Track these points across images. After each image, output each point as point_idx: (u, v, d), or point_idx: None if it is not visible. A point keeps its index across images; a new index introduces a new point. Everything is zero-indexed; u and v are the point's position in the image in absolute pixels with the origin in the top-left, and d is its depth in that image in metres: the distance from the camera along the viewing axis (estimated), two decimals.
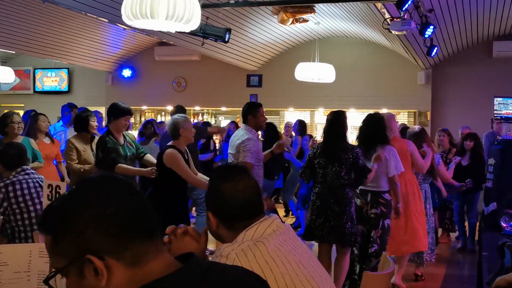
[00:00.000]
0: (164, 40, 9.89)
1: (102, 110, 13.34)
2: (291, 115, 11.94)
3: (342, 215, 4.46)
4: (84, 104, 13.02)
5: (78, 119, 5.32)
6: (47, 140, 5.86)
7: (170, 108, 12.92)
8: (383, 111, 10.75)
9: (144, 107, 13.02)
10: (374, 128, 4.78)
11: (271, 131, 7.50)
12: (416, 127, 5.96)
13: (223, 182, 1.72)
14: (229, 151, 4.93)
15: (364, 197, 4.78)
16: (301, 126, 8.54)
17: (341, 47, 11.20)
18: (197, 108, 12.48)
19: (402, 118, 10.90)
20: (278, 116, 11.59)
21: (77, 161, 5.12)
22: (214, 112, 12.72)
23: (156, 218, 1.09)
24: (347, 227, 4.47)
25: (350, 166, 4.51)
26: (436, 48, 8.30)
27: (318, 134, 11.57)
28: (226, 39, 7.07)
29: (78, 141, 5.22)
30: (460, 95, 10.69)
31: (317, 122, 12.18)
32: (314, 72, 9.25)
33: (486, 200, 5.08)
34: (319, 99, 11.23)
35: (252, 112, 4.85)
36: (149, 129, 7.55)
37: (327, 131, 4.70)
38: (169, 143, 4.51)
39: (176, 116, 4.56)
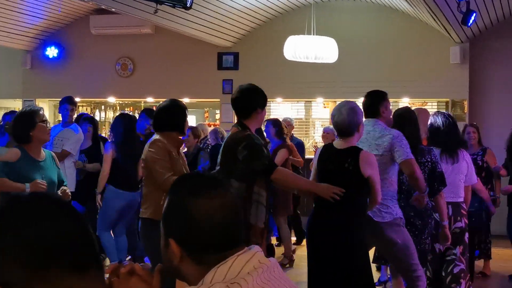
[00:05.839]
0: (103, 7, 9.88)
1: (19, 104, 13.18)
2: (280, 108, 11.87)
3: (423, 230, 5.02)
4: None
5: (168, 112, 4.94)
6: None
7: (112, 100, 12.83)
8: (404, 101, 10.79)
9: (76, 99, 12.82)
10: (455, 131, 5.53)
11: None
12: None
13: (194, 198, 1.71)
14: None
15: None
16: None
17: (345, 13, 11.29)
18: (150, 99, 12.37)
19: (431, 110, 10.89)
20: None
21: (173, 172, 4.71)
22: None
23: (96, 249, 1.19)
24: (427, 244, 5.05)
25: (429, 172, 4.99)
26: (474, 14, 8.29)
27: (317, 134, 11.52)
28: (188, 4, 7.07)
29: (169, 144, 4.82)
30: (508, 78, 10.75)
31: (315, 117, 12.17)
32: (310, 48, 9.23)
33: None
34: (318, 86, 11.25)
35: (384, 104, 5.02)
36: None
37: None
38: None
39: None
